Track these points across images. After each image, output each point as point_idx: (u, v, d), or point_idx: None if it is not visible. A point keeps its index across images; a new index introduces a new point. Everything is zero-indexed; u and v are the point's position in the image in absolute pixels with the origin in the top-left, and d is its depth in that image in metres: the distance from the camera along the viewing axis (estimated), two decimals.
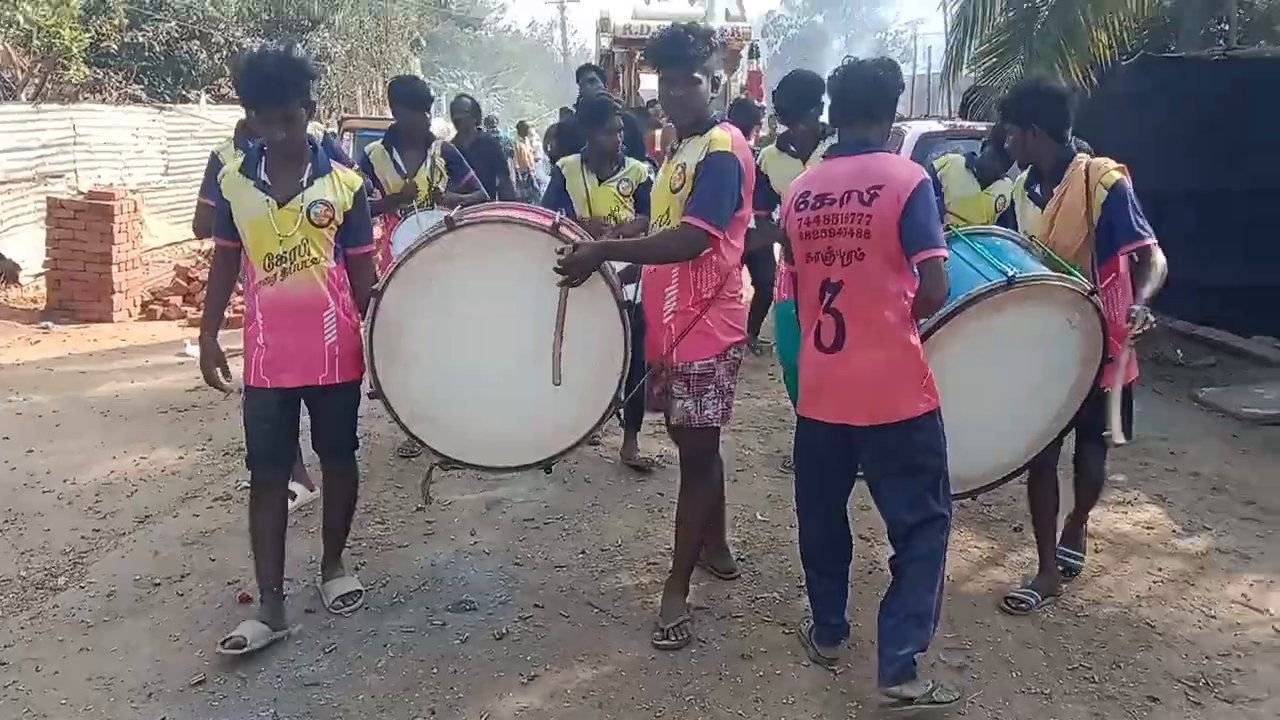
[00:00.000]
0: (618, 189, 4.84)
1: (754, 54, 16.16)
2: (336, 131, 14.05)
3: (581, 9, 43.96)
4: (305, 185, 3.23)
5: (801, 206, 3.00)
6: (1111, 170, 3.42)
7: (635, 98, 14.71)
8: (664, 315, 3.25)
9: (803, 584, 3.43)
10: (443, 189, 5.10)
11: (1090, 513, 3.90)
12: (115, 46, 12.44)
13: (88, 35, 11.56)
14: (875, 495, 3.07)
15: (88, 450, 5.26)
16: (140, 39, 13.45)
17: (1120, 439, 3.33)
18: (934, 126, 8.70)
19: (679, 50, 3.20)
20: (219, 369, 3.34)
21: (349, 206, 3.31)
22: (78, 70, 11.46)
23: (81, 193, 9.60)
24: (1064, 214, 3.46)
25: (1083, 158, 3.49)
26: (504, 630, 3.42)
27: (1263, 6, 11.71)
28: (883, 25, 42.97)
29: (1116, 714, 2.99)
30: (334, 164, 3.37)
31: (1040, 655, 3.31)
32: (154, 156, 12.62)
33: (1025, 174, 3.83)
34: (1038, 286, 3.19)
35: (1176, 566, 3.98)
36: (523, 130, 19.50)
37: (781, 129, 5.45)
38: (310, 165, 3.26)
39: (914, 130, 8.21)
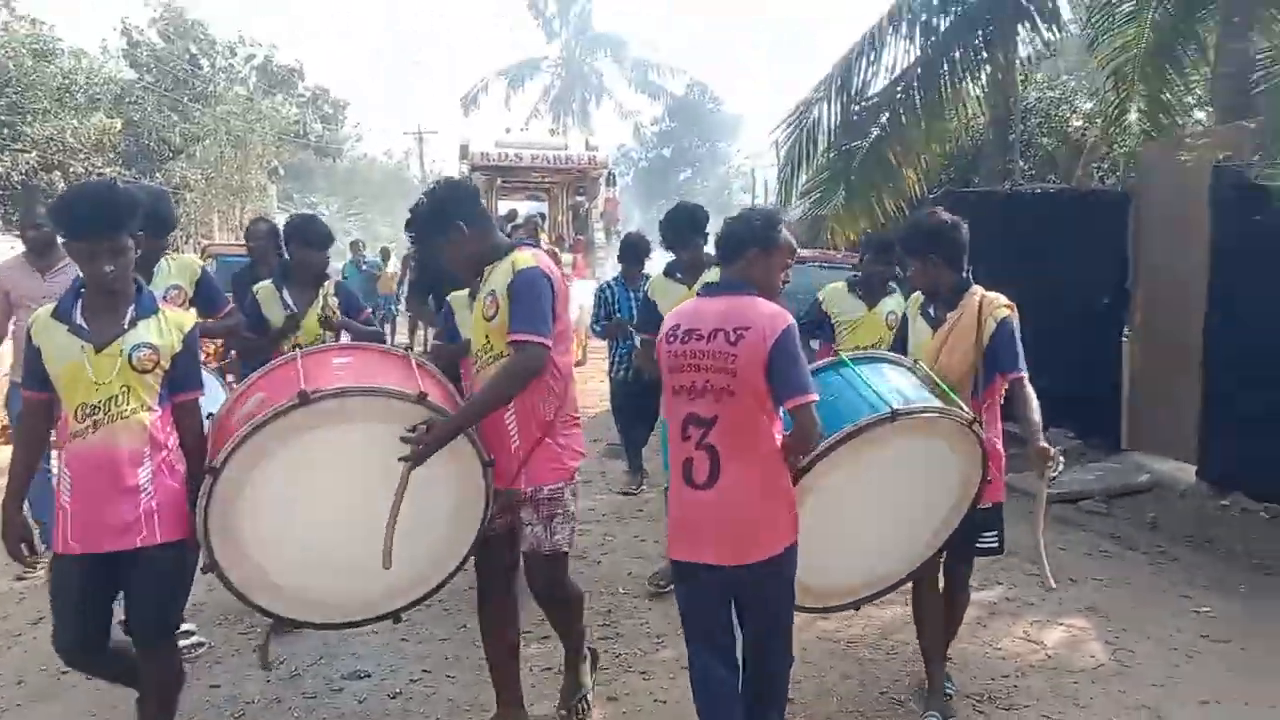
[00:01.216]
0: None
1: (610, 182, 17.09)
2: (201, 257, 14.24)
3: (437, 138, 45.38)
4: (127, 327, 2.94)
5: (671, 339, 3.04)
6: (1002, 305, 3.60)
7: (498, 221, 15.42)
8: (510, 443, 3.20)
9: None
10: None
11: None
12: None
13: None
14: (745, 638, 3.06)
15: None
16: (1, 169, 13.49)
17: (1053, 584, 3.67)
18: None
19: (421, 225, 3.35)
20: (24, 543, 3.06)
21: (177, 350, 3.02)
22: None
23: None
24: (955, 339, 3.60)
25: (978, 289, 3.64)
26: (397, 691, 3.84)
27: (1050, 147, 13.50)
28: (726, 158, 45.84)
29: None
30: (162, 304, 3.13)
31: (856, 684, 3.96)
32: None
33: (921, 295, 3.88)
34: (922, 419, 3.27)
35: (972, 613, 4.70)
36: (385, 256, 19.91)
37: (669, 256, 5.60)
38: (133, 306, 2.98)
39: None
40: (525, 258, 3.17)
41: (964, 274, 3.68)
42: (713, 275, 4.65)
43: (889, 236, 5.22)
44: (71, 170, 15.31)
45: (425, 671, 4.04)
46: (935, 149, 10.75)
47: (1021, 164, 13.73)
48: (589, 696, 3.62)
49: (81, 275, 2.96)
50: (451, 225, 3.22)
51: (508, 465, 3.21)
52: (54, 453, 3.69)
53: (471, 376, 3.41)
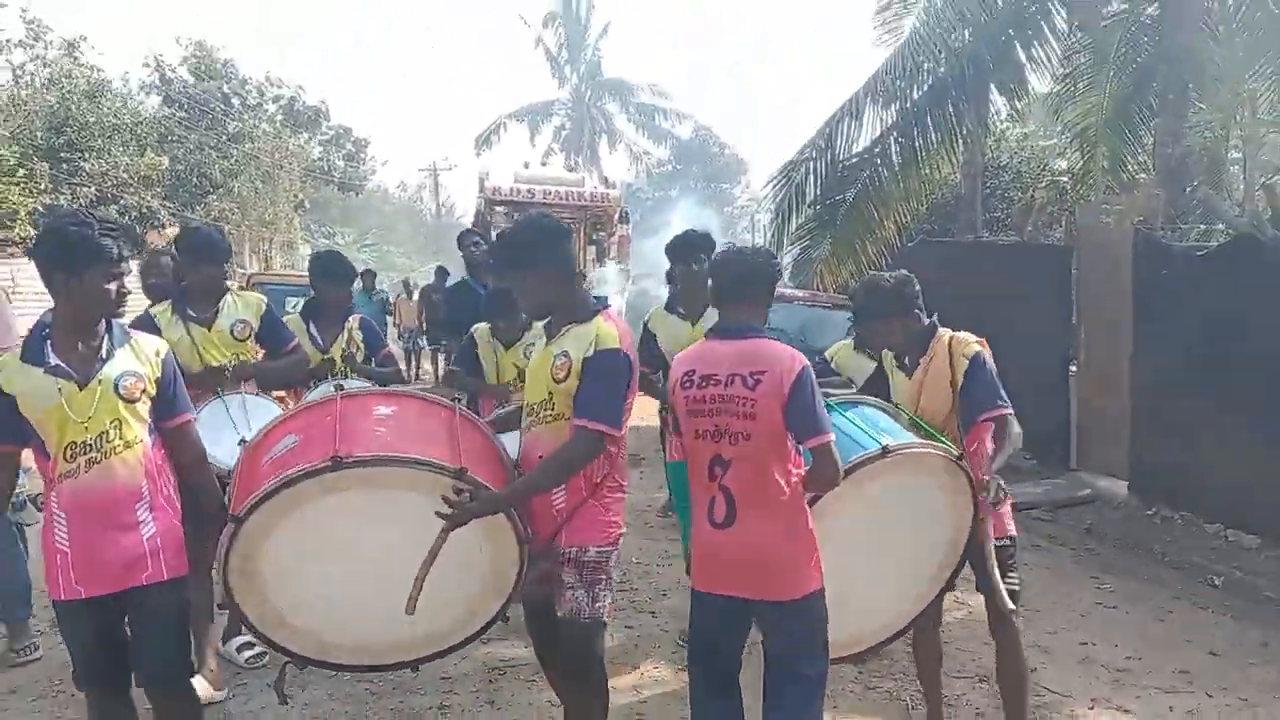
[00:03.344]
0: (524, 354, 4.98)
1: (624, 219, 17.10)
2: (245, 286, 15.46)
3: (450, 174, 47.09)
4: (105, 359, 2.87)
5: (687, 385, 3.04)
6: (972, 344, 3.57)
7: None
8: (554, 504, 3.09)
9: None
10: (358, 359, 5.03)
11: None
12: (42, 208, 13.73)
13: (32, 200, 12.91)
14: (767, 682, 3.07)
15: None
16: (62, 201, 14.76)
17: (1013, 605, 3.41)
18: None
19: (509, 252, 3.21)
20: None
21: (159, 374, 2.97)
22: (22, 229, 12.74)
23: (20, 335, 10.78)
24: (930, 383, 3.60)
25: (945, 332, 3.63)
26: None
27: (1019, 202, 14.78)
28: (731, 200, 47.33)
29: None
30: (131, 332, 3.05)
31: None
32: None
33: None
34: (911, 455, 3.27)
35: None
36: (407, 287, 20.56)
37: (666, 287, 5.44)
38: (107, 337, 2.90)
39: None
40: (609, 333, 3.02)
41: (928, 320, 3.68)
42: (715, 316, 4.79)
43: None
44: (123, 203, 16.61)
45: None
46: (912, 204, 11.98)
47: (998, 215, 15.06)
48: None
49: (46, 316, 2.88)
50: (538, 264, 3.09)
51: (548, 524, 3.10)
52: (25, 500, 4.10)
53: (524, 428, 3.24)
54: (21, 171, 12.90)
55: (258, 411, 4.18)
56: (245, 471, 3.02)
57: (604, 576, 3.13)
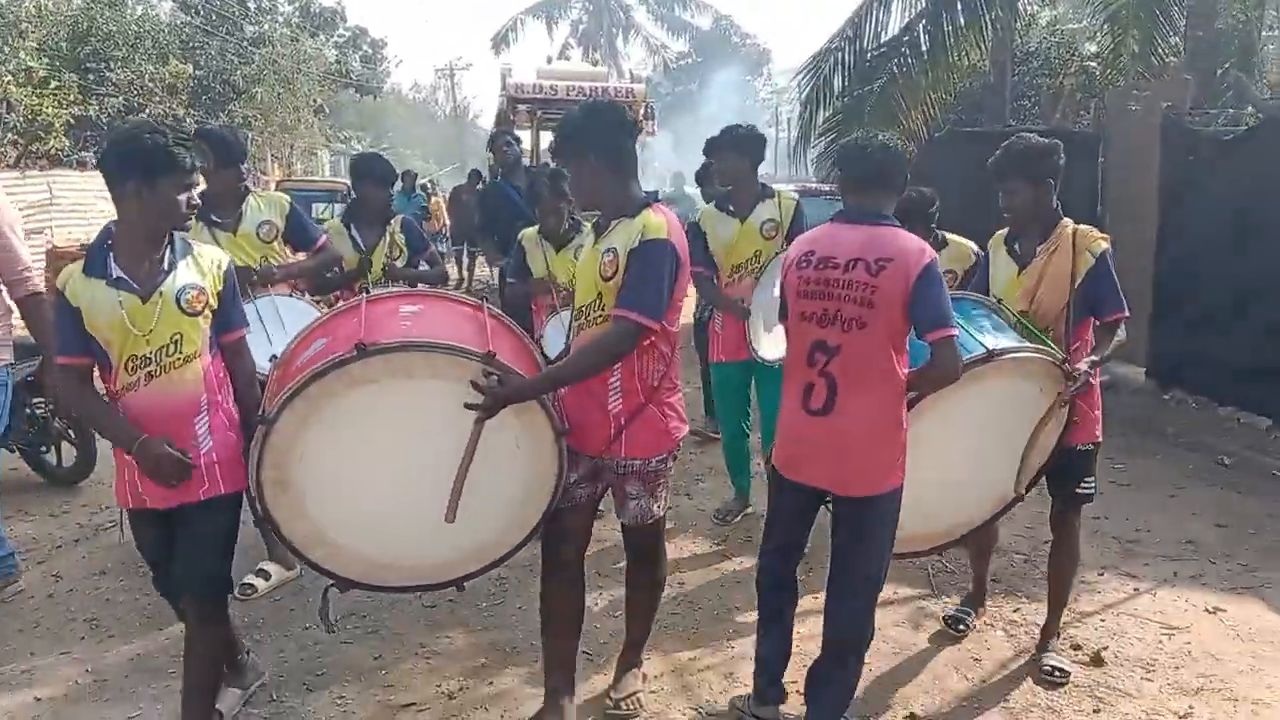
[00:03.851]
0: (575, 255, 4.65)
1: (650, 115, 16.47)
2: (274, 190, 15.65)
3: (466, 72, 46.56)
4: (168, 270, 2.82)
5: (804, 265, 2.98)
6: (1098, 238, 3.41)
7: (539, 155, 14.81)
8: (609, 406, 3.00)
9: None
10: (400, 265, 4.95)
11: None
12: (73, 120, 13.87)
13: (65, 112, 13.08)
14: (833, 569, 3.07)
15: None
16: (90, 112, 14.89)
17: (1021, 489, 3.45)
18: (788, 187, 11.07)
19: (563, 137, 3.09)
20: (180, 465, 2.81)
21: (220, 287, 2.93)
22: (57, 141, 12.93)
23: (57, 246, 11.13)
24: (1050, 278, 3.42)
25: (1068, 221, 3.46)
26: None
27: (1048, 89, 14.61)
28: (752, 93, 46.52)
29: None
30: (192, 243, 2.98)
31: None
32: (111, 216, 14.00)
33: (1005, 230, 3.67)
34: (1016, 360, 3.21)
35: None
36: (425, 190, 20.36)
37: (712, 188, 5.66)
38: (169, 249, 2.85)
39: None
40: (656, 224, 2.90)
41: (1056, 206, 3.48)
42: (769, 210, 4.75)
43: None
44: (149, 112, 16.71)
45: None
46: (940, 93, 11.91)
47: (1026, 103, 14.90)
48: (640, 696, 3.44)
49: (110, 227, 2.83)
50: (586, 154, 2.99)
51: (603, 428, 3.01)
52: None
53: (573, 330, 3.19)
54: (54, 83, 13.02)
55: (289, 313, 4.17)
56: (279, 379, 2.96)
57: (664, 480, 3.15)
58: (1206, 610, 4.23)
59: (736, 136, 4.81)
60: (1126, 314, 3.43)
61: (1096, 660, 3.77)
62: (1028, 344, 3.28)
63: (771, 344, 4.64)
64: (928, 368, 2.87)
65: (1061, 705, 3.48)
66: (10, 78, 12.92)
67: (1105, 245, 3.40)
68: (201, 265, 2.91)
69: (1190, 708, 3.44)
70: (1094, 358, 3.35)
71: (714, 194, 5.14)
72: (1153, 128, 8.27)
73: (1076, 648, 3.88)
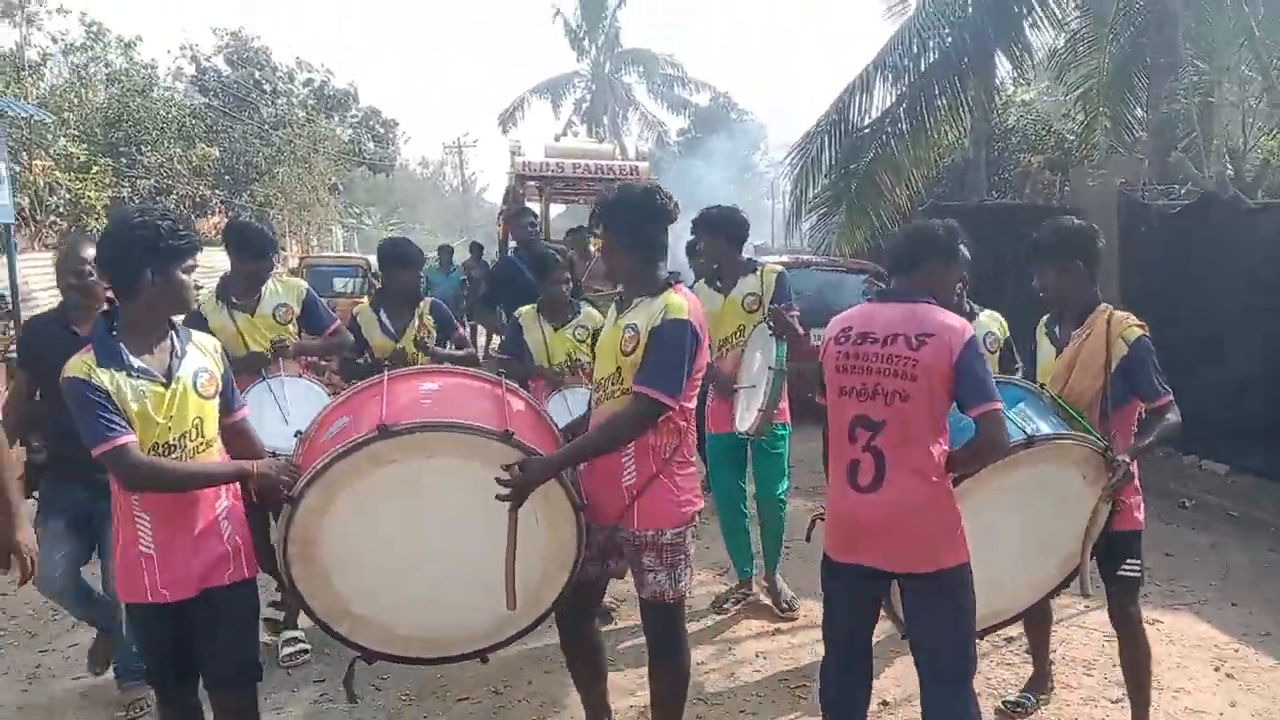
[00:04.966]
0: (573, 334, 4.96)
1: None
2: (297, 268, 16.49)
3: (473, 148, 48.10)
4: (180, 356, 2.81)
5: (842, 341, 3.00)
6: (1133, 325, 3.38)
7: (549, 229, 15.07)
8: (622, 477, 3.07)
9: None
10: (430, 344, 4.92)
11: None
12: (109, 201, 14.76)
13: (103, 194, 14.00)
14: (916, 658, 2.99)
15: None
16: (124, 194, 15.80)
17: (1088, 589, 3.38)
18: (780, 258, 11.87)
19: (601, 213, 3.22)
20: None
21: (221, 370, 2.93)
22: (98, 222, 13.77)
23: None
24: (1084, 361, 3.41)
25: (1106, 307, 3.44)
26: None
27: (1020, 166, 15.51)
28: (751, 166, 47.87)
29: None
30: (186, 329, 2.97)
31: None
32: None
33: (1047, 315, 3.72)
34: (1056, 446, 3.20)
35: None
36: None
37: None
38: (175, 335, 2.83)
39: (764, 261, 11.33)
40: (677, 304, 3.00)
41: (1095, 289, 3.48)
42: (751, 284, 4.79)
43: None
44: (178, 193, 17.66)
45: None
46: (922, 170, 12.75)
47: (1006, 177, 15.80)
48: None
49: (110, 316, 2.76)
50: (615, 233, 3.16)
51: (616, 500, 3.08)
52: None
53: (592, 403, 3.30)
54: (95, 168, 14.00)
55: (297, 390, 4.39)
56: (305, 457, 2.99)
57: (683, 556, 3.14)
58: (1146, 623, 4.81)
59: (710, 218, 4.89)
60: (1168, 398, 3.36)
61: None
62: (1068, 430, 3.26)
63: (745, 416, 4.65)
64: (974, 443, 2.85)
65: (1012, 692, 4.09)
66: (53, 163, 13.85)
67: (1139, 332, 3.37)
68: (205, 349, 2.92)
69: (1122, 695, 4.02)
70: (1137, 445, 3.33)
71: (698, 266, 5.16)
72: (1110, 202, 9.07)
73: (1029, 653, 4.42)
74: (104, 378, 2.65)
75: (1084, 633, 4.73)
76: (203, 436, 2.81)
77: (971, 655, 2.94)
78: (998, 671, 4.34)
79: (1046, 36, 13.10)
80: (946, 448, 2.89)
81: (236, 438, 2.99)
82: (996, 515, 3.19)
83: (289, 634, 4.53)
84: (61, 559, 3.84)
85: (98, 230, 14.98)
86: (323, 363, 5.22)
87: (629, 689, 4.12)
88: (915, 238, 3.10)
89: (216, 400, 2.88)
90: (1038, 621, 3.93)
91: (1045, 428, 3.23)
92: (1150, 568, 5.56)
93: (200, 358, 2.87)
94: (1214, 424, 7.80)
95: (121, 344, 2.71)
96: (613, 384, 3.11)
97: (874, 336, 2.92)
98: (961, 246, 3.15)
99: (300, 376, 4.63)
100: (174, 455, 2.73)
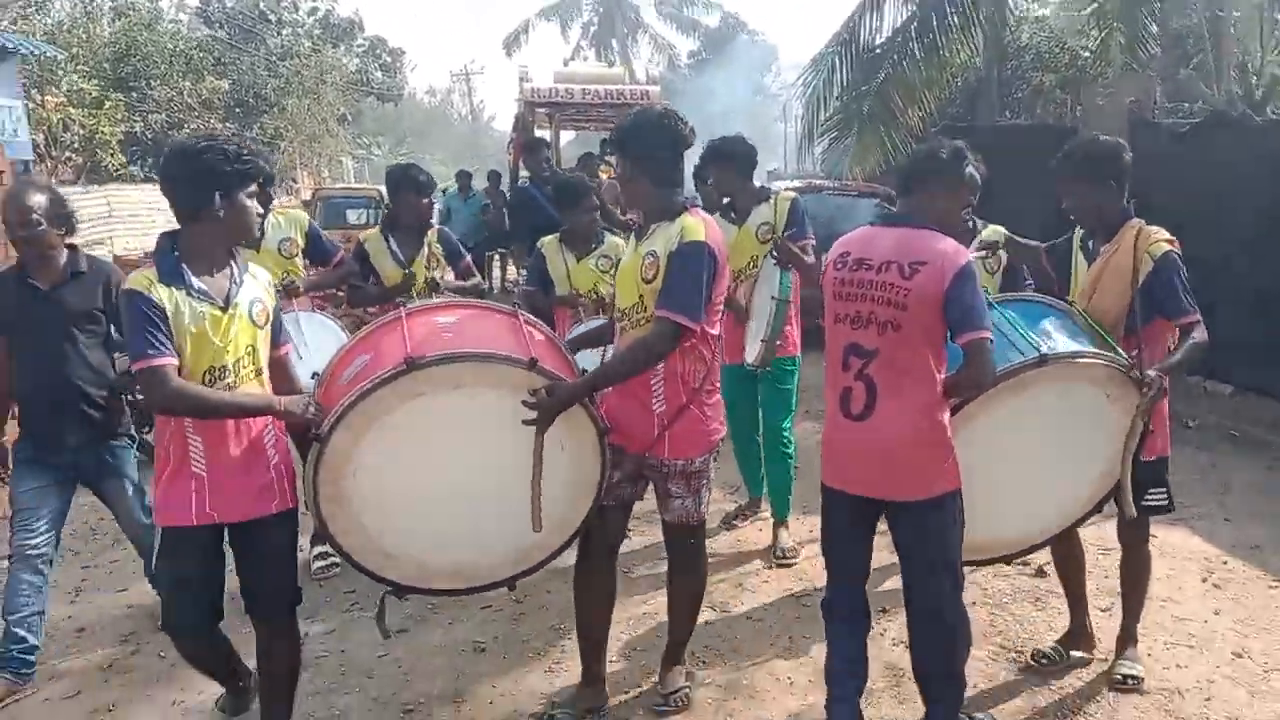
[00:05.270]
0: (596, 265, 4.90)
1: None
2: (310, 200, 16.56)
3: (480, 75, 47.70)
4: (239, 284, 2.84)
5: (840, 266, 2.97)
6: (1161, 241, 3.30)
7: (560, 156, 15.05)
8: (653, 405, 3.11)
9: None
10: (439, 278, 4.88)
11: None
12: (121, 135, 14.85)
13: (118, 129, 14.08)
14: (904, 576, 3.03)
15: None
16: (136, 129, 15.87)
17: (1131, 511, 3.28)
18: (792, 183, 11.88)
19: (616, 138, 3.20)
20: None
21: (274, 302, 2.99)
22: (113, 157, 13.91)
23: (119, 255, 12.07)
24: (1109, 277, 3.37)
25: (1137, 222, 3.37)
26: None
27: (1031, 87, 15.33)
28: (763, 88, 47.24)
29: None
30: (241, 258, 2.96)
31: None
32: (165, 226, 14.98)
33: (1082, 230, 3.61)
34: (1074, 365, 3.11)
35: None
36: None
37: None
38: (233, 262, 2.87)
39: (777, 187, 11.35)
40: (694, 227, 3.02)
41: (1126, 204, 3.41)
42: (764, 213, 4.69)
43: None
44: (189, 126, 17.67)
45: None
46: (935, 91, 12.69)
47: (1019, 96, 15.64)
48: (688, 693, 3.55)
49: (165, 241, 2.82)
50: (631, 160, 3.15)
51: (646, 428, 3.13)
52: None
53: (617, 333, 3.32)
54: (108, 103, 14.06)
55: (313, 327, 4.36)
56: (324, 397, 2.98)
57: (706, 480, 3.24)
58: None
59: (717, 149, 4.80)
60: (1194, 317, 3.27)
61: (1039, 573, 4.59)
62: (1088, 348, 3.17)
63: (752, 348, 4.61)
64: (959, 372, 2.83)
65: (1007, 602, 4.33)
66: (65, 99, 13.90)
67: (1167, 247, 3.28)
68: (259, 280, 2.96)
69: (1112, 603, 4.22)
70: (1166, 363, 3.21)
71: (707, 194, 5.20)
72: (1121, 122, 9.06)
73: (1024, 563, 4.62)
74: (163, 294, 2.67)
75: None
76: (255, 364, 2.87)
77: (959, 569, 2.98)
78: (994, 582, 4.54)
79: None
80: (943, 375, 2.87)
81: (277, 372, 3.01)
82: (1016, 437, 3.15)
83: (319, 548, 4.69)
84: (46, 521, 3.75)
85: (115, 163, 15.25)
86: (338, 293, 5.26)
87: (643, 597, 4.36)
88: (918, 159, 3.07)
89: (268, 330, 2.92)
90: (1073, 570, 3.78)
91: (1067, 345, 3.16)
92: None
93: (255, 287, 2.91)
94: (1221, 345, 7.89)
95: (184, 264, 2.74)
96: (637, 312, 3.14)
97: (869, 263, 2.90)
98: (970, 168, 3.06)
99: (315, 312, 4.65)
100: (226, 379, 2.76)
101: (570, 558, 3.35)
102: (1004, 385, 2.97)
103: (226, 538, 2.94)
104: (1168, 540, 4.99)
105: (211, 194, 2.70)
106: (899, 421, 2.83)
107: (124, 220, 13.86)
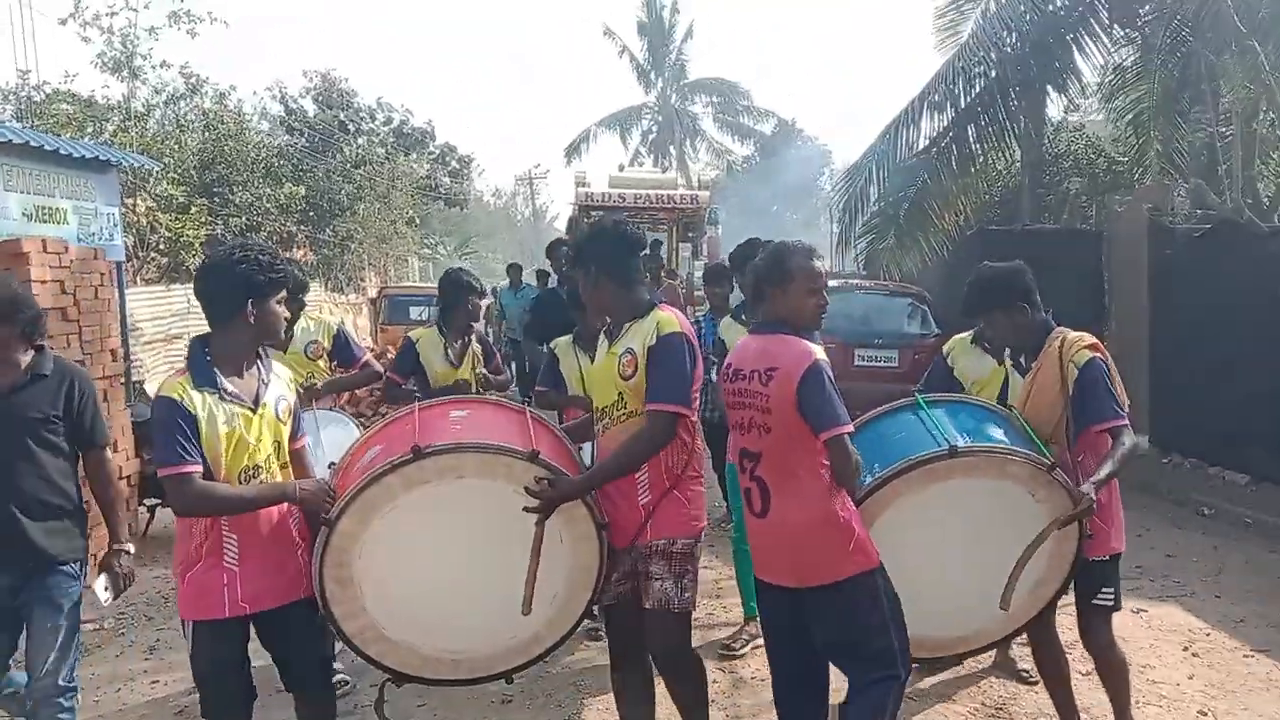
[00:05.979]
0: None
1: (713, 220, 17.21)
2: (376, 298, 17.48)
3: (543, 179, 49.66)
4: (266, 384, 3.03)
5: (726, 378, 3.14)
6: (1083, 349, 3.37)
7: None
8: (638, 497, 3.18)
9: None
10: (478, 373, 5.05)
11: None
12: (204, 238, 15.98)
13: (200, 233, 15.20)
14: (838, 665, 3.10)
15: None
16: (217, 232, 17.00)
17: (1007, 605, 3.26)
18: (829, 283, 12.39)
19: (576, 254, 3.39)
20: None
21: (294, 396, 3.19)
22: (196, 259, 14.94)
23: None
24: (1038, 391, 3.43)
25: (1060, 332, 3.44)
26: None
27: (1069, 189, 15.75)
28: (818, 191, 48.36)
29: None
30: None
31: None
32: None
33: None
34: (987, 458, 3.15)
35: None
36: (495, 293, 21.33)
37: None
38: (260, 363, 3.05)
39: None
40: (668, 320, 3.14)
41: (1045, 315, 3.51)
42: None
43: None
44: (265, 229, 18.87)
45: None
46: (970, 198, 13.12)
47: (1053, 201, 16.07)
48: None
49: (196, 345, 2.97)
50: (591, 269, 3.27)
51: (633, 519, 3.19)
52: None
53: (597, 432, 3.38)
54: (193, 208, 15.23)
55: (329, 425, 4.60)
56: (339, 485, 3.10)
57: (691, 568, 3.22)
58: (1131, 611, 5.31)
59: (746, 250, 5.00)
60: (1120, 421, 3.31)
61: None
62: (1004, 444, 3.21)
63: None
64: (829, 468, 2.92)
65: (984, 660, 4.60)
66: (155, 204, 15.09)
67: (1090, 354, 3.35)
68: (283, 378, 3.15)
69: (1092, 669, 4.48)
70: (1098, 477, 3.21)
71: (715, 299, 5.79)
72: (1141, 227, 9.49)
73: (1027, 672, 4.55)
74: (196, 401, 2.83)
75: (1072, 619, 5.18)
76: (280, 458, 3.06)
77: (895, 653, 2.95)
78: None
79: (1097, 61, 13.41)
80: (827, 464, 2.92)
81: (294, 464, 3.17)
82: (938, 531, 3.20)
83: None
84: None
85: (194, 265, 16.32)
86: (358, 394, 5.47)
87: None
88: (755, 267, 3.23)
89: (287, 426, 3.10)
90: (1058, 684, 3.70)
91: (986, 442, 3.21)
92: (1145, 566, 6.03)
93: (281, 386, 3.10)
94: (1239, 436, 8.18)
95: (216, 369, 2.92)
96: (616, 409, 3.25)
97: (743, 372, 3.05)
98: (797, 261, 3.06)
99: (332, 409, 4.96)
100: (260, 475, 2.95)
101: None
102: (914, 474, 3.10)
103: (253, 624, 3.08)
104: (1156, 615, 5.27)
105: (245, 300, 2.91)
106: (794, 515, 2.95)
107: (200, 317, 14.76)
